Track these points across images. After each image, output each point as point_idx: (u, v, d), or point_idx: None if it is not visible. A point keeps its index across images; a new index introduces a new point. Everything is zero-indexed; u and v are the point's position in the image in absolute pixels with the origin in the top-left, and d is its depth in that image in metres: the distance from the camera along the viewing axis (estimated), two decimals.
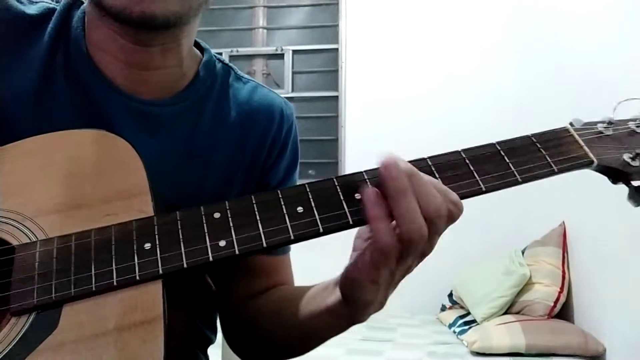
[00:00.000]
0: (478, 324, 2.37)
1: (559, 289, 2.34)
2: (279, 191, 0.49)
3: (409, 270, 0.49)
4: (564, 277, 2.38)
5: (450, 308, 2.76)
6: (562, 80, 2.54)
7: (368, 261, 0.46)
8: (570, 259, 2.47)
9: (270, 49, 3.44)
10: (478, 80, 3.08)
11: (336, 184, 0.49)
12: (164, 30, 0.57)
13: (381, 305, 0.50)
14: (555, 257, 2.44)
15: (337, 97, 3.31)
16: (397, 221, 0.45)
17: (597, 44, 2.24)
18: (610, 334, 2.08)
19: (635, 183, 0.55)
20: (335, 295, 0.52)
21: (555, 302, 2.31)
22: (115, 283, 0.45)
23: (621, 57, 2.02)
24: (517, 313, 2.37)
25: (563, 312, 2.36)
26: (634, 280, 1.92)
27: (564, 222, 2.53)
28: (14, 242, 0.47)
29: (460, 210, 0.48)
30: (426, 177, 0.47)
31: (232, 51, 3.42)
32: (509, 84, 2.99)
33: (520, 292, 2.39)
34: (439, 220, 0.46)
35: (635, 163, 0.55)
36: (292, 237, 0.47)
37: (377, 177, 0.47)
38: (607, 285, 2.13)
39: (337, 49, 3.34)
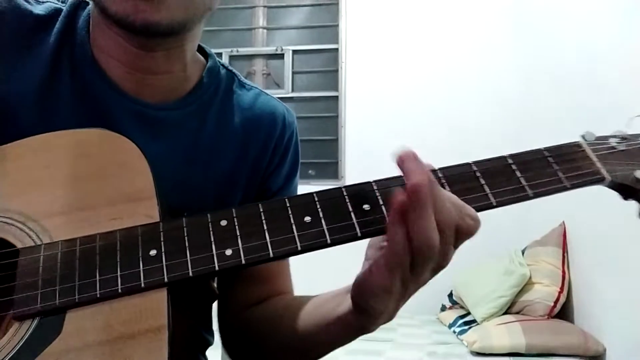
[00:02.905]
0: (478, 324, 2.37)
1: (559, 289, 2.34)
2: (286, 200, 0.48)
3: (422, 283, 0.48)
4: (564, 277, 2.38)
5: (450, 308, 2.76)
6: (562, 78, 2.54)
7: (382, 268, 0.45)
8: (570, 259, 2.47)
9: (270, 49, 3.44)
10: (478, 80, 3.08)
11: (345, 194, 0.48)
12: (168, 37, 0.57)
13: (391, 316, 0.50)
14: (555, 257, 2.44)
15: (337, 97, 3.31)
16: (412, 232, 0.44)
17: (597, 42, 2.24)
18: (610, 334, 2.08)
19: None
20: (346, 304, 0.51)
21: (555, 302, 2.31)
22: (120, 290, 0.45)
23: (622, 55, 2.02)
24: (517, 313, 2.37)
25: (563, 312, 2.36)
26: (634, 280, 1.92)
27: (564, 222, 2.53)
28: (18, 244, 0.47)
29: (478, 224, 0.47)
30: (442, 190, 0.46)
31: (232, 51, 3.42)
32: (510, 84, 2.99)
33: (520, 292, 2.39)
34: (450, 234, 0.45)
35: None
36: (299, 248, 0.46)
37: (401, 183, 0.46)
38: (607, 285, 2.14)
39: (337, 49, 3.34)
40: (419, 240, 0.44)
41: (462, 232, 0.46)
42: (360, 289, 0.48)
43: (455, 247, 0.47)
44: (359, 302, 0.49)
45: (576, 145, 0.54)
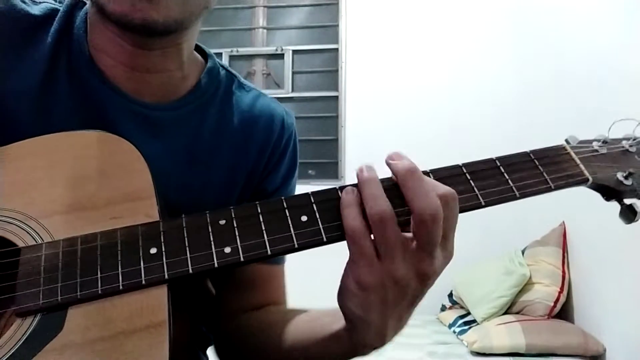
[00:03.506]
0: (478, 324, 2.38)
1: (559, 289, 2.34)
2: (283, 200, 0.50)
3: (397, 277, 0.45)
4: (564, 277, 2.38)
5: (450, 308, 2.77)
6: (562, 79, 2.55)
7: (350, 262, 0.46)
8: (570, 259, 2.47)
9: (270, 49, 3.44)
10: (478, 80, 3.08)
11: (340, 193, 0.49)
12: (166, 35, 0.58)
13: (380, 331, 0.48)
14: (555, 257, 2.45)
15: (337, 97, 3.32)
16: (365, 205, 0.46)
17: (597, 43, 2.24)
18: (610, 334, 2.08)
19: (627, 201, 0.56)
20: (342, 322, 0.51)
21: (555, 302, 2.32)
22: (121, 287, 0.45)
23: (622, 56, 2.02)
24: (517, 313, 2.37)
25: (563, 312, 2.36)
26: (634, 280, 1.93)
27: (564, 222, 2.53)
28: (19, 243, 0.47)
29: (453, 196, 0.46)
30: (425, 178, 0.47)
31: (232, 51, 3.42)
32: (510, 84, 2.99)
33: (520, 292, 2.39)
34: (425, 219, 0.44)
35: (628, 182, 0.56)
36: (297, 246, 0.48)
37: (392, 182, 0.48)
38: (607, 285, 2.14)
39: (337, 49, 3.34)
40: (369, 211, 0.45)
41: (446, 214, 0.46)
42: (340, 291, 0.48)
43: (443, 238, 0.46)
44: (342, 308, 0.49)
45: (560, 148, 0.57)
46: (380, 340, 0.49)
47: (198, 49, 0.69)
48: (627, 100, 1.84)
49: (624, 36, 2.02)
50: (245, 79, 0.74)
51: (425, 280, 0.46)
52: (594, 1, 2.33)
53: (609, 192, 0.57)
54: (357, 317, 0.47)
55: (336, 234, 0.48)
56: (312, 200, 0.49)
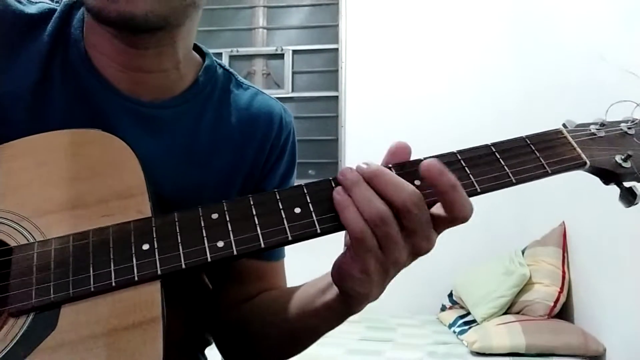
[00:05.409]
0: (478, 324, 2.37)
1: (559, 289, 2.34)
2: (276, 192, 0.49)
3: (399, 262, 0.48)
4: (564, 277, 2.38)
5: (450, 308, 2.76)
6: (561, 82, 2.54)
7: (354, 254, 0.47)
8: (570, 259, 2.47)
9: (270, 49, 3.44)
10: (478, 80, 3.08)
11: (333, 185, 0.49)
12: (154, 32, 0.56)
13: (376, 298, 0.51)
14: (555, 257, 2.44)
15: (337, 97, 3.32)
16: (360, 208, 0.46)
17: (596, 45, 2.23)
18: (610, 334, 2.08)
19: (626, 184, 0.55)
20: (333, 291, 0.53)
21: (555, 302, 2.31)
22: (113, 284, 0.45)
23: (620, 58, 2.02)
24: (517, 313, 2.37)
25: (563, 312, 2.36)
26: (634, 280, 1.92)
27: (564, 222, 2.53)
28: (12, 243, 0.47)
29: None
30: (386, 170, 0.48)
31: (232, 51, 3.42)
32: (509, 83, 2.99)
33: (520, 292, 2.39)
34: (411, 207, 0.46)
35: (627, 164, 0.55)
36: (290, 238, 0.48)
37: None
38: (607, 285, 2.13)
39: (337, 49, 3.34)
40: (369, 213, 0.46)
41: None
42: (340, 275, 0.50)
43: (437, 226, 0.48)
44: (342, 287, 0.50)
45: (557, 132, 0.56)
46: (367, 302, 0.52)
47: (196, 48, 0.69)
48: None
49: (624, 36, 2.02)
50: (245, 79, 0.73)
51: (418, 255, 0.49)
52: (594, 6, 2.33)
53: (608, 175, 0.56)
54: (360, 293, 0.49)
55: (330, 225, 0.48)
56: (305, 192, 0.49)
